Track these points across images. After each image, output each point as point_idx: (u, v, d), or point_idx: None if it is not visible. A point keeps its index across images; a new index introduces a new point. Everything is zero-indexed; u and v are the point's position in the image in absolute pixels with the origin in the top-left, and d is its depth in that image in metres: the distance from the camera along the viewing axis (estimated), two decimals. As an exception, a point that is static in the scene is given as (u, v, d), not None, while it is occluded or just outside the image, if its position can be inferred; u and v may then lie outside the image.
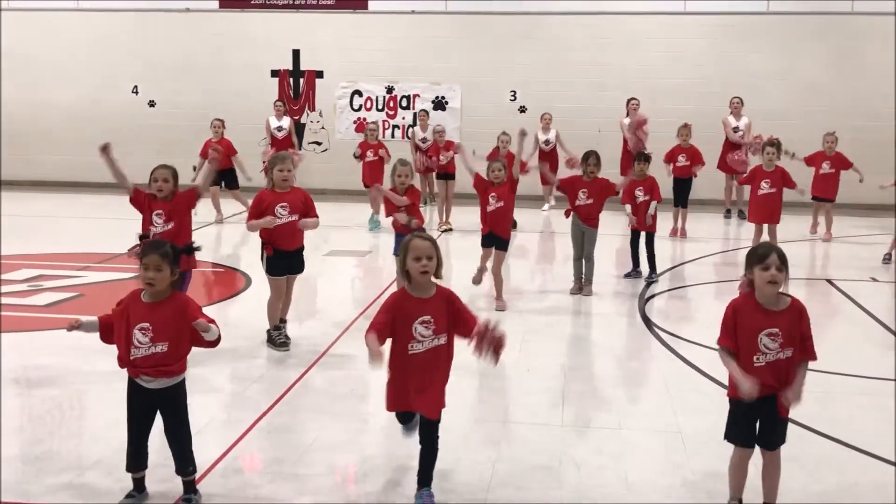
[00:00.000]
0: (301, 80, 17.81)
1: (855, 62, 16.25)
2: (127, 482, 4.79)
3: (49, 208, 15.82)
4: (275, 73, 17.74)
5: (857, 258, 11.82)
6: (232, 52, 17.58)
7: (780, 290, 4.33)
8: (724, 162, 15.04)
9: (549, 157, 15.25)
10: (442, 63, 17.31)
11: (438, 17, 17.31)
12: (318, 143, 18.00)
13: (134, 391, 4.60)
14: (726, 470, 4.58)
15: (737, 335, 4.35)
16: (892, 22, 15.88)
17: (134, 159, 17.35)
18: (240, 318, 8.40)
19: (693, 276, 10.69)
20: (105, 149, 7.09)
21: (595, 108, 16.34)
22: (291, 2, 17.58)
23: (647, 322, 8.55)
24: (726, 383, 4.55)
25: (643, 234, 10.28)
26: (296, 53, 17.75)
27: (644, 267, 10.32)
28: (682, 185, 13.56)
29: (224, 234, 13.17)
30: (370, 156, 13.90)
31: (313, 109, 17.86)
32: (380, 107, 17.66)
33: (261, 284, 8.24)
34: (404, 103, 17.47)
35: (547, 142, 15.41)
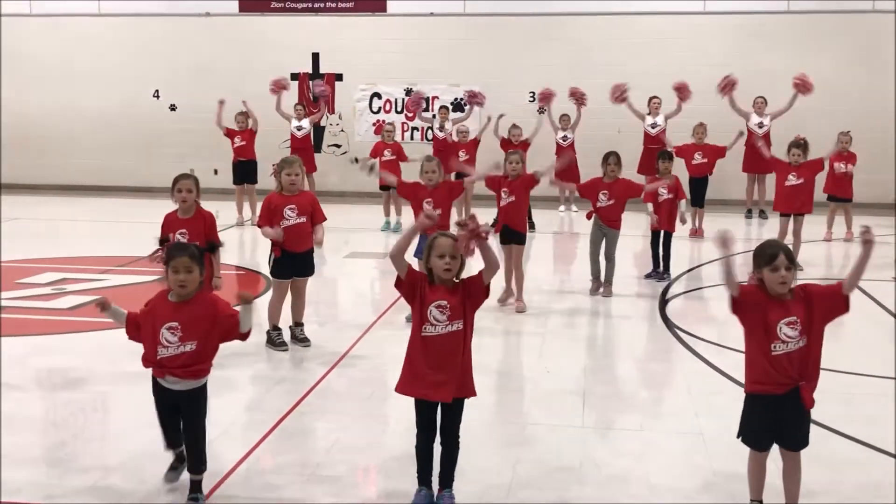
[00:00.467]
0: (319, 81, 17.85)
1: (876, 60, 16.11)
2: (151, 484, 4.85)
3: (73, 212, 15.96)
4: (294, 77, 17.79)
5: (879, 257, 11.70)
6: (252, 55, 17.64)
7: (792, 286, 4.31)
8: (747, 162, 14.95)
9: (566, 151, 15.34)
10: (460, 65, 17.31)
11: (457, 19, 17.32)
12: (338, 146, 18.03)
13: (158, 391, 4.65)
14: (774, 469, 4.56)
15: (753, 321, 4.32)
16: (914, 19, 15.76)
17: (157, 164, 17.69)
18: (262, 320, 8.43)
19: (713, 276, 10.63)
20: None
21: (614, 108, 16.23)
22: (310, 5, 17.64)
23: (668, 323, 8.53)
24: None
25: (662, 233, 10.28)
26: (315, 56, 17.80)
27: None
28: (699, 185, 13.52)
29: (245, 237, 13.24)
30: (387, 154, 13.97)
31: (332, 112, 17.90)
32: (399, 109, 17.68)
33: (282, 287, 8.28)
34: (423, 105, 17.47)
35: (564, 138, 15.45)
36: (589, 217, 9.69)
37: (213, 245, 6.47)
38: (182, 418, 4.66)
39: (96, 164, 18.45)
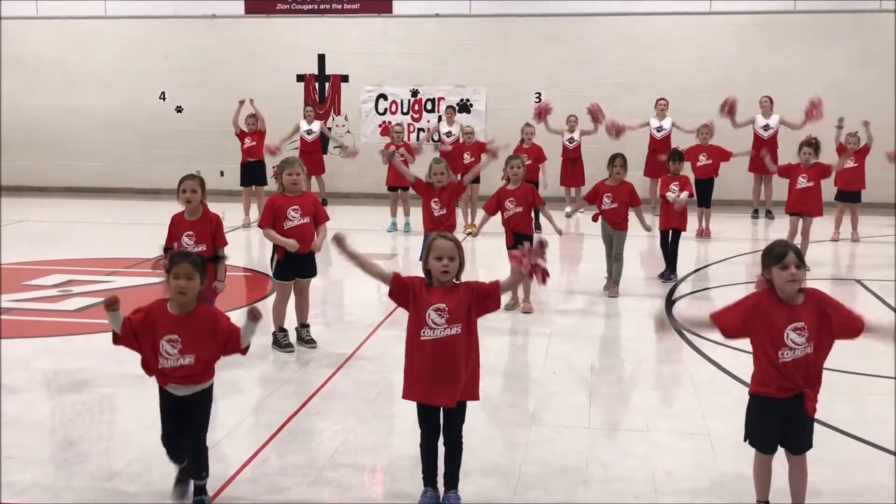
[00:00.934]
0: (326, 85, 17.88)
1: (884, 60, 16.05)
2: (157, 486, 4.86)
3: (80, 214, 15.99)
4: (300, 78, 17.82)
5: (887, 257, 11.69)
6: (258, 57, 17.68)
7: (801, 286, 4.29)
8: (753, 162, 14.92)
9: (573, 154, 15.40)
10: (466, 66, 17.31)
11: (463, 20, 17.32)
12: (344, 147, 18.02)
13: (164, 398, 4.65)
14: (782, 471, 4.54)
15: (759, 330, 4.30)
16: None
17: (163, 165, 17.73)
18: (267, 321, 8.42)
19: (720, 276, 10.62)
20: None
21: (621, 109, 16.22)
22: (316, 7, 17.65)
23: (675, 323, 8.50)
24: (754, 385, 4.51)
25: (671, 232, 10.27)
26: (321, 58, 17.81)
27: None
28: (705, 185, 13.51)
29: (252, 238, 13.25)
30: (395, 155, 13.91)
31: (339, 114, 17.92)
32: (405, 110, 17.69)
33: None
34: (429, 106, 17.49)
35: (571, 140, 15.44)
36: (595, 219, 9.69)
37: (218, 256, 6.48)
38: (187, 423, 4.65)
39: (103, 166, 18.50)
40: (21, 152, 18.58)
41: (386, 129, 17.19)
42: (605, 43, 16.84)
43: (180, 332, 4.48)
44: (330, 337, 7.97)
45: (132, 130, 18.29)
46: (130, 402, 6.33)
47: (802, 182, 10.68)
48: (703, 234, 13.24)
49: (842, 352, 7.50)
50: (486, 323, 8.40)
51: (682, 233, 10.43)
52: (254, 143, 14.46)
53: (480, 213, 13.52)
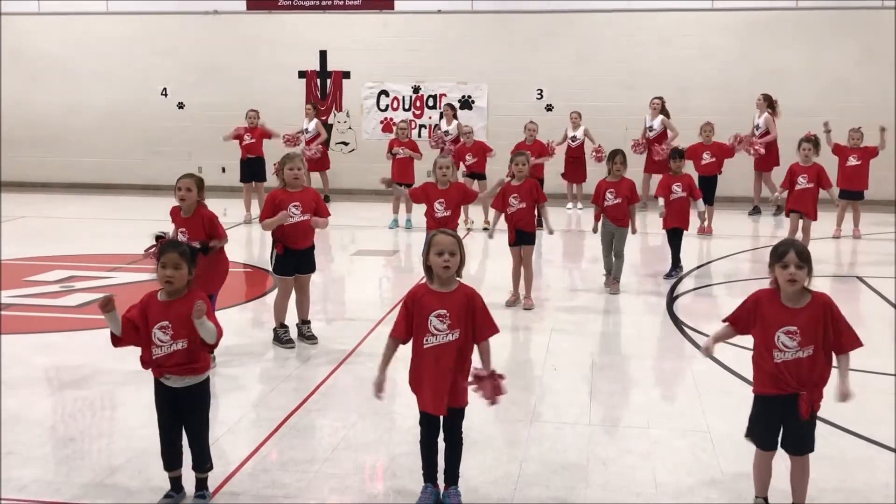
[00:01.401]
0: (328, 81, 17.87)
1: (886, 56, 16.03)
2: (157, 482, 4.85)
3: (81, 210, 15.99)
4: (302, 74, 17.81)
5: (888, 254, 11.67)
6: (259, 53, 17.67)
7: (806, 285, 4.28)
8: (757, 160, 14.88)
9: (576, 152, 15.39)
10: (468, 62, 17.29)
11: (465, 17, 17.30)
12: (346, 144, 18.04)
13: (159, 391, 4.65)
14: (783, 472, 4.53)
15: (756, 328, 4.34)
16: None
17: (165, 161, 17.73)
18: (268, 317, 8.43)
19: (722, 273, 10.62)
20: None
21: (622, 105, 16.25)
22: (318, 3, 17.63)
23: (676, 320, 8.50)
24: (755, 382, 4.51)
25: (678, 232, 10.25)
26: (323, 54, 17.80)
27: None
28: (708, 183, 13.51)
29: (253, 235, 13.25)
30: (400, 153, 13.93)
31: (340, 110, 17.91)
32: (406, 106, 17.67)
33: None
34: (431, 103, 17.47)
35: (574, 138, 15.44)
36: (598, 219, 9.63)
37: (206, 247, 6.52)
38: (183, 417, 4.65)
39: (104, 162, 18.50)
40: (23, 148, 18.59)
41: (388, 126, 17.19)
42: (607, 39, 16.82)
43: (170, 318, 4.48)
44: (331, 333, 7.97)
45: (134, 127, 18.29)
46: (131, 399, 6.33)
47: (802, 183, 10.67)
48: (705, 231, 13.23)
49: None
50: (487, 320, 8.45)
51: (684, 231, 10.40)
52: (253, 141, 14.45)
53: (486, 212, 13.65)
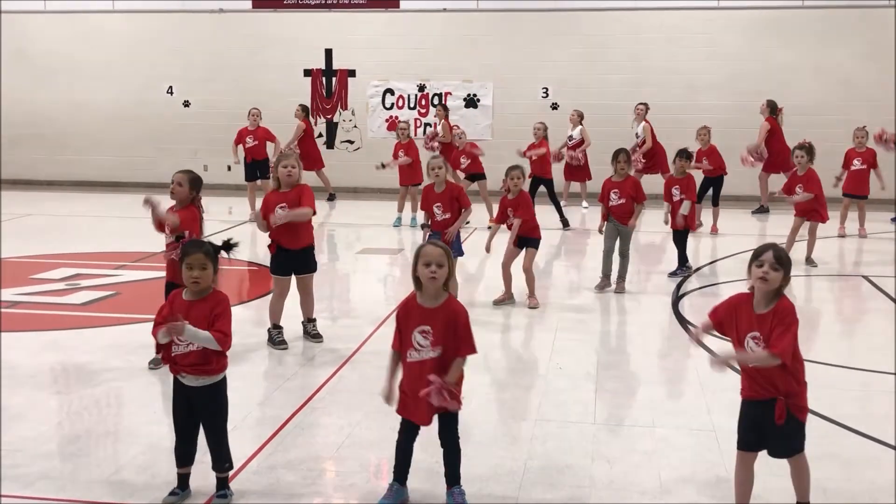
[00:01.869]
0: (333, 79, 17.88)
1: (891, 55, 15.98)
2: (163, 479, 4.86)
3: (87, 208, 16.02)
4: (307, 73, 17.83)
5: (891, 253, 11.64)
6: (265, 51, 17.69)
7: (779, 289, 4.23)
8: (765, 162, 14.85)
9: (576, 147, 15.44)
10: (474, 60, 17.29)
11: (470, 15, 17.29)
12: (351, 142, 18.05)
13: (176, 388, 4.66)
14: (758, 468, 4.50)
15: (732, 332, 4.36)
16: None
17: (170, 160, 17.73)
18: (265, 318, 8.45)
19: (727, 272, 10.59)
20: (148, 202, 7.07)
21: (628, 104, 16.20)
22: (324, 1, 17.64)
23: (681, 319, 8.50)
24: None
25: (682, 233, 10.25)
26: (328, 52, 17.81)
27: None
28: (714, 184, 13.55)
29: (257, 233, 13.24)
30: (402, 156, 13.91)
31: (346, 108, 17.92)
32: (411, 105, 17.67)
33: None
34: (436, 101, 17.47)
35: (570, 137, 15.46)
36: (604, 218, 9.59)
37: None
38: (200, 417, 4.66)
39: (110, 160, 18.53)
40: (29, 146, 18.62)
41: (393, 125, 17.19)
42: (613, 37, 16.80)
43: (190, 318, 4.48)
44: (336, 332, 7.97)
45: (140, 125, 18.32)
46: (137, 396, 6.35)
47: (799, 191, 10.57)
48: (711, 230, 13.23)
49: (847, 348, 7.50)
50: (491, 318, 8.47)
51: (689, 231, 10.39)
52: (256, 143, 14.46)
53: (478, 208, 13.66)
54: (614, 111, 16.21)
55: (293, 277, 7.56)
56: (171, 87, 18.29)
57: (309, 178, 11.47)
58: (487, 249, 8.95)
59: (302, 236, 7.43)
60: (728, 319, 4.36)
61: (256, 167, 14.45)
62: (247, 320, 8.40)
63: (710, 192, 13.57)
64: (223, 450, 4.71)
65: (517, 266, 8.94)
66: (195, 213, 6.92)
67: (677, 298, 9.28)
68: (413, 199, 13.83)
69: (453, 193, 8.54)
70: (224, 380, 4.70)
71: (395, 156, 14.02)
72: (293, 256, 7.44)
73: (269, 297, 7.80)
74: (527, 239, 8.90)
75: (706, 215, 13.21)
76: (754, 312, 4.26)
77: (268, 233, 7.44)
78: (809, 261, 10.67)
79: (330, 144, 17.81)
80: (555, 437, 5.60)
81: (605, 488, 4.89)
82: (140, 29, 18.07)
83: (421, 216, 13.38)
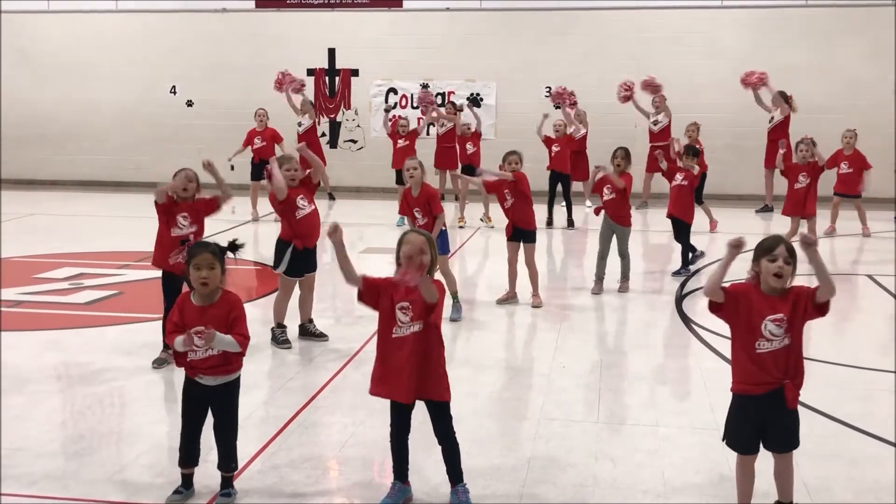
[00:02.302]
0: (336, 79, 17.88)
1: (892, 54, 15.95)
2: (168, 478, 4.86)
3: (90, 208, 16.04)
4: (311, 72, 17.82)
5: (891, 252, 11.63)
6: (268, 51, 17.68)
7: (788, 285, 4.20)
8: (769, 158, 14.81)
9: (578, 144, 15.43)
10: (477, 60, 17.28)
11: (473, 14, 17.28)
12: (354, 142, 18.05)
13: (190, 387, 4.64)
14: (764, 467, 4.49)
15: (741, 316, 4.21)
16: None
17: (173, 159, 17.70)
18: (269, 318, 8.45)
19: (729, 272, 10.56)
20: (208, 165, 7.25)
21: (631, 103, 16.20)
22: (327, 1, 17.65)
23: (684, 318, 8.49)
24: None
25: (680, 225, 10.24)
26: (331, 52, 17.81)
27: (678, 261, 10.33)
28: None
29: (261, 232, 13.27)
30: (401, 143, 14.33)
31: (349, 108, 17.92)
32: (415, 104, 17.66)
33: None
34: (439, 101, 17.46)
35: (577, 129, 15.44)
36: (597, 213, 9.63)
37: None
38: (213, 414, 4.66)
39: (113, 160, 18.54)
40: (32, 146, 18.64)
41: (396, 124, 17.17)
42: (616, 36, 16.80)
43: (205, 324, 4.46)
44: (339, 331, 7.97)
45: (143, 124, 18.33)
46: (140, 395, 6.35)
47: (802, 181, 10.68)
48: (711, 228, 13.21)
49: (851, 347, 7.49)
50: (493, 318, 8.47)
51: (686, 224, 10.36)
52: (264, 144, 14.49)
53: (472, 207, 13.69)
54: (617, 110, 16.17)
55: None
56: (174, 87, 18.30)
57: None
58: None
59: (317, 231, 7.49)
60: (743, 301, 4.22)
61: (261, 167, 14.43)
62: (251, 319, 8.37)
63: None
64: (232, 449, 4.71)
65: (521, 265, 8.92)
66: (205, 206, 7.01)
67: (680, 297, 9.27)
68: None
69: (428, 198, 8.22)
70: (239, 377, 4.72)
71: (395, 143, 14.37)
72: (307, 256, 7.46)
73: (273, 296, 7.80)
74: (523, 232, 8.81)
75: (702, 215, 13.16)
76: (769, 296, 4.18)
77: (279, 235, 7.43)
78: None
79: (333, 144, 17.81)
80: (558, 436, 5.60)
81: (608, 487, 4.88)
82: (143, 28, 18.07)
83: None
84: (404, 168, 8.37)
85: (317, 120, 16.40)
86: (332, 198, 16.44)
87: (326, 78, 17.87)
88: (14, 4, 18.10)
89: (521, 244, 8.86)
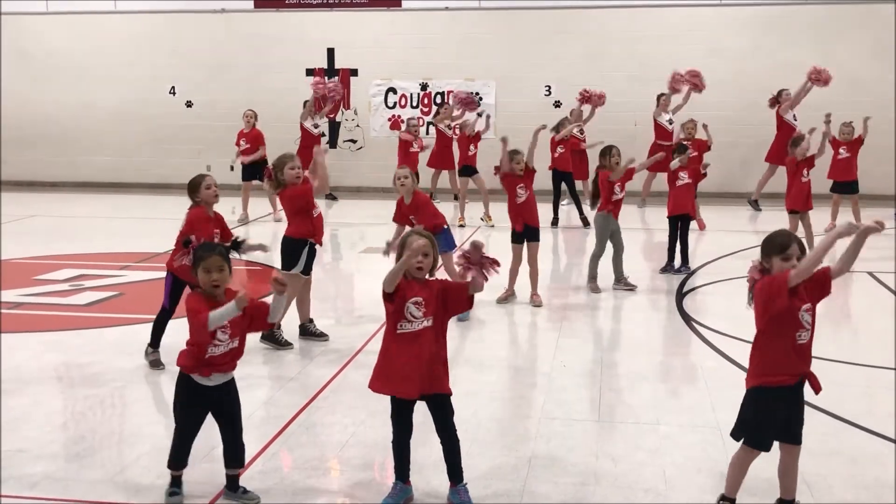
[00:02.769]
0: (336, 79, 17.86)
1: (893, 53, 15.94)
2: (167, 479, 4.85)
3: (90, 209, 16.04)
4: (310, 72, 17.81)
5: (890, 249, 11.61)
6: (267, 51, 17.68)
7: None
8: (772, 153, 14.81)
9: (578, 144, 15.45)
10: (476, 59, 17.28)
11: (472, 13, 17.28)
12: (353, 141, 18.05)
13: (195, 391, 4.62)
14: (764, 467, 4.48)
15: (786, 308, 4.14)
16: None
17: (174, 160, 17.76)
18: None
19: (730, 270, 10.57)
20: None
21: (631, 101, 16.21)
22: (326, 1, 17.64)
23: (685, 317, 8.49)
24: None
25: (680, 224, 10.23)
26: (330, 52, 17.80)
27: (677, 260, 10.30)
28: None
29: (252, 233, 13.25)
30: (415, 147, 14.55)
31: (348, 107, 17.92)
32: (414, 104, 17.67)
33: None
34: (439, 100, 17.47)
35: (581, 130, 15.45)
36: (600, 209, 9.60)
37: (238, 243, 6.53)
38: (223, 414, 4.69)
39: (113, 161, 18.54)
40: (32, 147, 18.65)
41: (396, 124, 17.20)
42: (616, 35, 16.79)
43: (225, 325, 4.49)
44: (340, 331, 7.97)
45: (142, 125, 18.33)
46: (141, 396, 6.35)
47: (805, 175, 10.74)
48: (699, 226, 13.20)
49: (853, 345, 7.49)
50: (495, 317, 8.47)
51: (690, 220, 10.37)
52: (248, 146, 14.46)
53: (472, 206, 13.69)
54: (617, 109, 16.16)
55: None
56: (173, 88, 18.29)
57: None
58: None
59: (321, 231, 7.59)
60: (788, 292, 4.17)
61: (252, 168, 14.41)
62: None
63: None
64: (241, 447, 4.75)
65: (521, 265, 8.93)
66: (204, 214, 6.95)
67: (681, 296, 9.27)
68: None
69: (418, 205, 8.17)
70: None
71: (405, 148, 14.49)
72: (314, 254, 7.53)
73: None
74: (531, 230, 8.83)
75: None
76: (794, 288, 4.15)
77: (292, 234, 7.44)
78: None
79: (333, 144, 17.81)
80: (559, 435, 5.60)
81: (609, 486, 4.88)
82: (142, 29, 18.07)
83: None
84: (395, 177, 8.21)
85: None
86: (333, 198, 16.43)
87: (326, 78, 17.85)
88: (13, 6, 18.11)
89: (525, 244, 8.88)
